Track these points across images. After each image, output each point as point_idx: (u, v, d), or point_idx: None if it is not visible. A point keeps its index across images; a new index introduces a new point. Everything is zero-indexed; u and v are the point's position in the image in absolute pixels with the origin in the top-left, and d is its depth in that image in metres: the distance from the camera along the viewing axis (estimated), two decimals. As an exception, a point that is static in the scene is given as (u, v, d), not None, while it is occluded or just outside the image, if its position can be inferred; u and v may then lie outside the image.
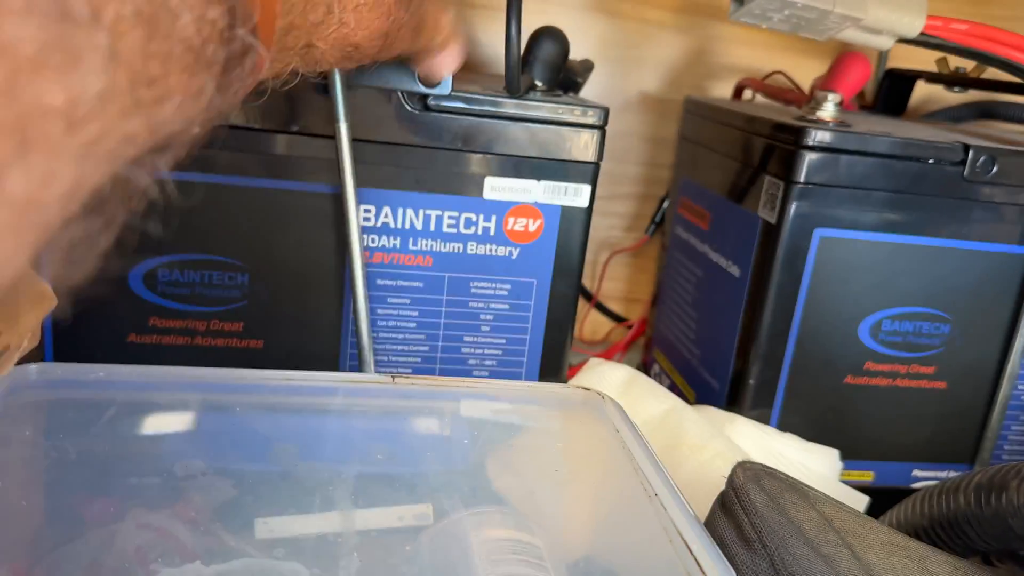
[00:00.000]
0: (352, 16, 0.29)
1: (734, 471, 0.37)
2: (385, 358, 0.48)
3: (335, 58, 0.30)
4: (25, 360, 0.33)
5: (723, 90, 0.71)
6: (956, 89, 0.61)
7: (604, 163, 0.48)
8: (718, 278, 0.55)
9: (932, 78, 0.61)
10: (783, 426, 0.51)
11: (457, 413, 0.40)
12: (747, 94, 0.65)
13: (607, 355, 0.72)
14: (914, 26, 0.45)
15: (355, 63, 0.32)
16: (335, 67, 0.32)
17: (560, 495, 0.39)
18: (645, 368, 0.70)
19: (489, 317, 0.48)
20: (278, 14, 0.24)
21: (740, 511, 0.35)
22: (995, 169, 0.49)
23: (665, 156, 0.72)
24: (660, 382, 0.65)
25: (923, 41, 0.47)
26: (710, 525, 0.37)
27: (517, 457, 0.40)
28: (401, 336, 0.48)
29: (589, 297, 0.75)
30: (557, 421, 0.40)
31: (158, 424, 0.34)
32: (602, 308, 0.76)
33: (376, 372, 0.48)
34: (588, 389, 0.39)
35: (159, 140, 0.18)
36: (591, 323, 0.77)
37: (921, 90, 0.68)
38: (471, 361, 0.49)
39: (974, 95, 0.66)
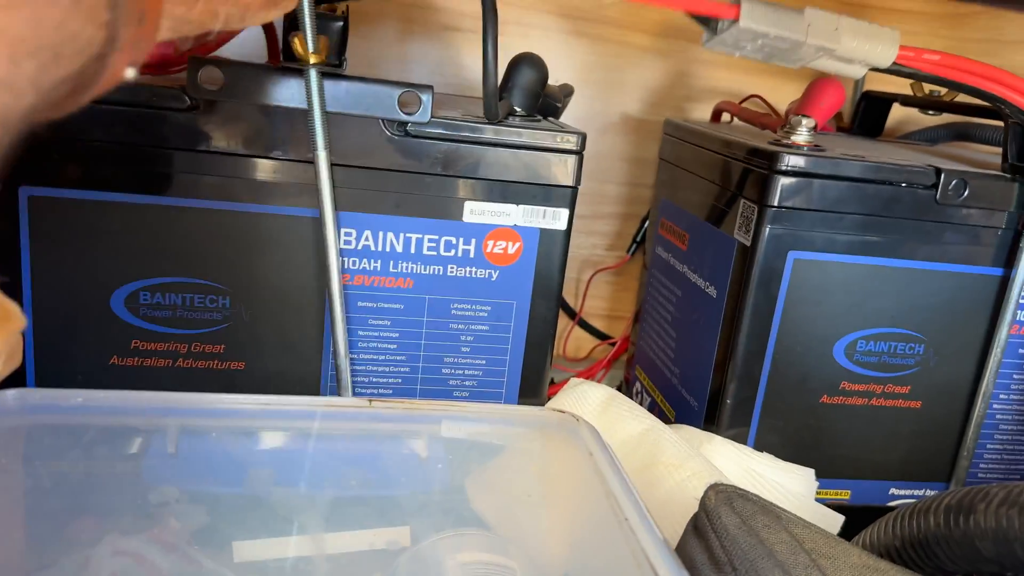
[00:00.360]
0: None
1: (706, 493, 0.38)
2: (365, 379, 0.49)
3: None
4: (4, 385, 0.33)
5: (703, 112, 0.72)
6: (931, 112, 0.62)
7: (587, 183, 0.48)
8: (696, 298, 0.56)
9: (907, 101, 0.62)
10: (760, 445, 0.52)
11: (433, 436, 0.41)
12: (725, 117, 0.66)
13: (591, 372, 0.73)
14: (887, 56, 0.45)
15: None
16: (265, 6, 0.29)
17: (535, 518, 0.40)
18: (627, 385, 0.70)
19: (469, 339, 0.49)
20: None
21: (711, 534, 0.36)
22: (967, 192, 0.49)
23: (646, 176, 0.73)
24: (641, 400, 0.66)
25: (896, 70, 0.47)
26: (683, 548, 0.37)
27: (493, 480, 0.40)
28: (382, 358, 0.48)
29: (573, 315, 0.75)
30: (533, 444, 0.41)
31: (135, 450, 0.35)
32: (585, 325, 0.77)
33: (355, 394, 0.48)
34: (564, 412, 0.40)
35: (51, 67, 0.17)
36: (575, 340, 0.77)
37: (898, 111, 0.69)
38: (451, 382, 0.50)
39: (949, 117, 0.67)
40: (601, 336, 0.77)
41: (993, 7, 0.39)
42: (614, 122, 0.72)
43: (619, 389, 0.71)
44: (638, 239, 0.71)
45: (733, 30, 0.42)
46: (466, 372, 0.49)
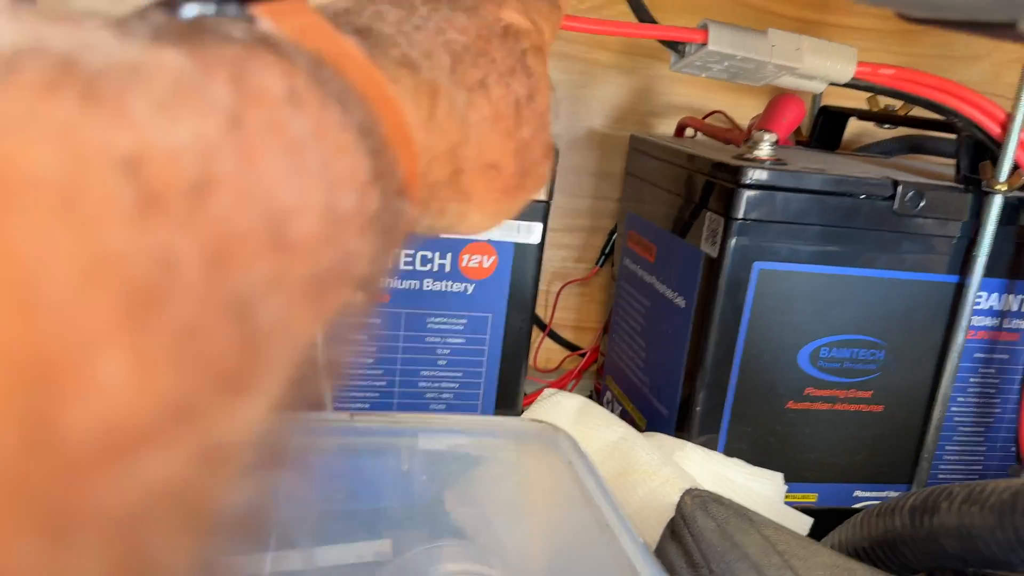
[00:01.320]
0: (487, 127, 0.26)
1: (682, 499, 0.39)
2: (343, 394, 0.49)
3: (481, 187, 0.27)
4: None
5: (667, 127, 0.74)
6: (886, 126, 0.65)
7: (556, 197, 0.49)
8: (665, 309, 0.57)
9: (863, 115, 0.65)
10: (729, 451, 0.53)
11: (415, 449, 0.41)
12: (689, 132, 0.68)
13: (561, 383, 0.74)
14: (846, 72, 0.47)
15: (497, 197, 0.27)
16: (483, 206, 0.27)
17: (517, 527, 0.41)
18: (598, 395, 0.71)
19: (446, 351, 0.50)
20: (417, 154, 0.22)
21: (688, 537, 0.37)
22: (923, 203, 0.51)
23: (613, 190, 0.74)
24: (612, 409, 0.67)
25: (854, 84, 0.49)
26: (660, 552, 0.38)
27: (475, 491, 0.41)
28: (359, 372, 0.49)
29: (543, 327, 0.76)
30: (513, 454, 0.41)
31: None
32: (556, 337, 0.78)
33: (334, 409, 0.49)
34: (542, 422, 0.41)
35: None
36: (545, 352, 0.78)
37: (855, 125, 0.71)
38: (428, 395, 0.50)
39: (904, 130, 0.70)
40: (571, 347, 0.78)
41: (943, 28, 0.42)
42: (581, 137, 0.73)
43: (590, 399, 0.72)
44: (606, 251, 0.73)
45: (701, 53, 0.44)
46: (443, 385, 0.50)
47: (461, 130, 0.25)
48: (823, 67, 0.46)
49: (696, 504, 0.38)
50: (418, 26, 0.25)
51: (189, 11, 0.18)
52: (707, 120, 0.66)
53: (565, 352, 0.78)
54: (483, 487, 0.41)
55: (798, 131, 0.70)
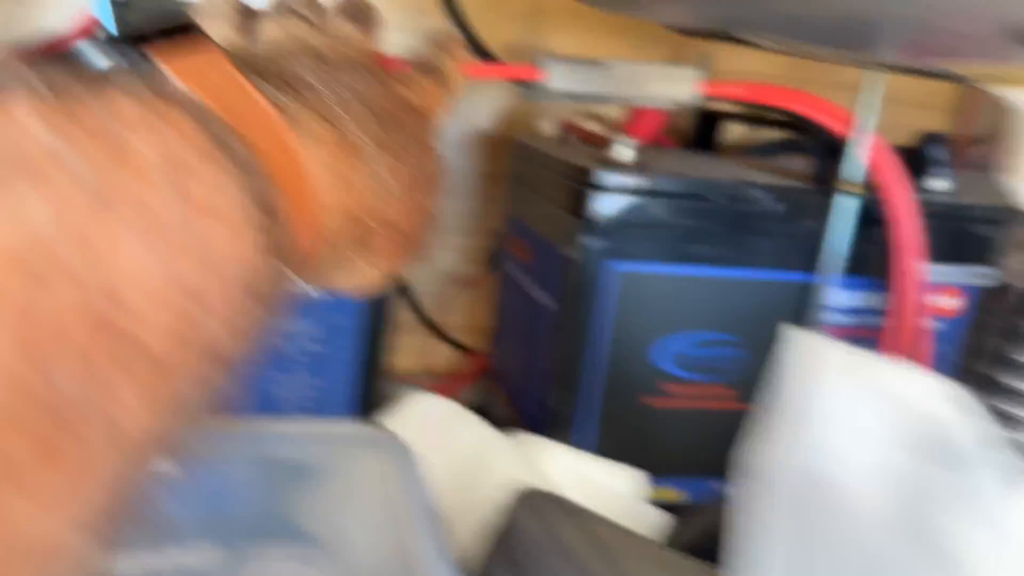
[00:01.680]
0: (400, 189, 0.27)
1: (515, 501, 0.39)
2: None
3: (384, 246, 0.28)
4: None
5: (553, 128, 0.74)
6: (756, 127, 0.66)
7: (446, 200, 0.50)
8: (539, 312, 0.58)
9: (734, 117, 0.66)
10: (597, 450, 0.54)
11: (256, 455, 0.41)
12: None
13: (453, 384, 0.74)
14: (688, 93, 0.48)
15: (394, 256, 0.29)
16: (381, 264, 0.29)
17: (355, 534, 0.41)
18: (487, 396, 0.72)
19: (304, 359, 0.50)
20: (321, 218, 0.23)
21: (512, 539, 0.37)
22: (775, 204, 0.53)
23: (501, 192, 0.75)
24: (497, 411, 0.67)
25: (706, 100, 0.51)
26: (490, 557, 0.39)
27: (316, 498, 0.41)
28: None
29: (436, 329, 0.77)
30: (352, 461, 0.42)
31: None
32: (449, 339, 0.78)
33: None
34: (379, 429, 0.41)
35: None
36: (438, 354, 0.78)
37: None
38: (284, 402, 0.50)
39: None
40: (464, 349, 0.78)
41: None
42: (469, 138, 0.74)
43: (481, 401, 0.73)
44: (494, 253, 0.73)
45: (543, 91, 0.45)
46: (299, 391, 0.50)
47: (378, 190, 0.26)
48: (667, 91, 0.47)
49: (524, 506, 0.39)
50: (345, 84, 0.25)
51: (99, 62, 0.18)
52: (587, 122, 0.67)
53: (459, 355, 0.79)
54: (324, 493, 0.41)
55: (680, 132, 0.72)
